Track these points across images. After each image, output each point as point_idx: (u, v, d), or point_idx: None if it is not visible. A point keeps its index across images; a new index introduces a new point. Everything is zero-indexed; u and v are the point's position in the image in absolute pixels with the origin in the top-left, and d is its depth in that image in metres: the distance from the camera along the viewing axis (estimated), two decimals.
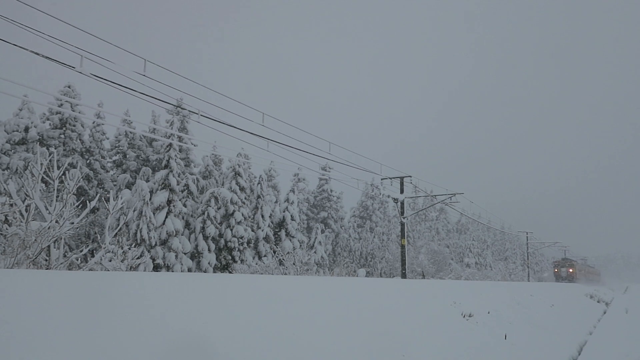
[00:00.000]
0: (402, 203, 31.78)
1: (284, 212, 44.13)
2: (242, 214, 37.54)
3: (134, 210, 31.62)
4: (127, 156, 41.31)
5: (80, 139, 36.84)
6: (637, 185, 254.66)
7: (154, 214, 32.49)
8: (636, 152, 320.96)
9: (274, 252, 38.03)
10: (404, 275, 31.51)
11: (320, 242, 47.99)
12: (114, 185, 38.39)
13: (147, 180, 36.42)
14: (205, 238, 35.45)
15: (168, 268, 31.96)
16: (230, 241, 36.65)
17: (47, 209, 13.94)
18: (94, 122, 38.57)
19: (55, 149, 32.52)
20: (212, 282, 10.13)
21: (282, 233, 43.30)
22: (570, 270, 70.43)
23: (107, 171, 40.06)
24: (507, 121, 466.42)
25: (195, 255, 35.29)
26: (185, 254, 33.69)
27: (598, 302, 41.22)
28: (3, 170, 30.81)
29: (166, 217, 33.06)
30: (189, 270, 33.54)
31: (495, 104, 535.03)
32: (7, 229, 13.61)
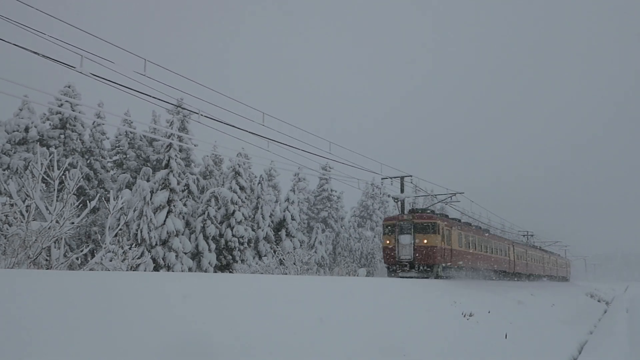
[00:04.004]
0: (403, 202, 31.78)
1: (284, 211, 44.14)
2: (243, 214, 37.54)
3: (135, 210, 31.62)
4: (128, 156, 41.32)
5: (80, 139, 36.84)
6: (636, 183, 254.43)
7: (154, 213, 32.50)
8: (637, 150, 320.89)
9: (275, 251, 38.02)
10: None
11: (320, 241, 48.01)
12: (114, 185, 38.39)
13: (148, 180, 36.40)
14: (206, 238, 35.46)
15: (168, 268, 31.96)
16: (230, 241, 36.66)
17: (47, 209, 13.94)
18: (94, 122, 38.57)
19: (55, 149, 32.49)
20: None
21: (283, 233, 43.30)
22: (425, 241, 26.38)
23: (108, 171, 40.06)
24: (504, 117, 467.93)
25: (196, 255, 35.31)
26: (185, 253, 33.70)
27: (599, 301, 41.30)
28: (3, 170, 30.82)
29: (166, 217, 33.06)
30: (190, 270, 33.55)
31: (490, 98, 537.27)
32: (7, 229, 13.61)
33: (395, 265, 26.63)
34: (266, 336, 7.61)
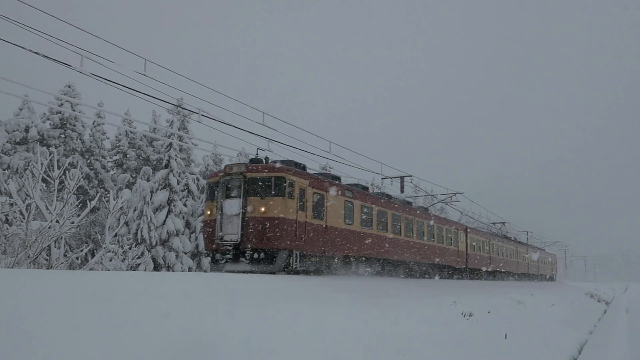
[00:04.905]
0: None
1: None
2: None
3: (135, 210, 31.63)
4: (128, 156, 41.33)
5: (80, 139, 36.85)
6: (636, 183, 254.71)
7: (154, 213, 32.50)
8: (637, 150, 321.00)
9: None
10: None
11: None
12: (114, 184, 38.40)
13: (148, 180, 36.41)
14: None
15: (168, 267, 31.97)
16: None
17: (47, 209, 13.96)
18: (94, 122, 38.60)
19: (55, 148, 32.51)
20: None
21: None
22: (263, 209, 14.44)
23: (108, 171, 40.08)
24: (504, 116, 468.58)
25: (196, 255, 35.31)
26: (185, 253, 33.70)
27: (598, 301, 41.31)
28: (4, 170, 30.82)
29: (166, 216, 33.07)
30: (190, 269, 33.57)
31: (490, 96, 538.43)
32: (7, 228, 13.63)
33: (217, 252, 15.12)
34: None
